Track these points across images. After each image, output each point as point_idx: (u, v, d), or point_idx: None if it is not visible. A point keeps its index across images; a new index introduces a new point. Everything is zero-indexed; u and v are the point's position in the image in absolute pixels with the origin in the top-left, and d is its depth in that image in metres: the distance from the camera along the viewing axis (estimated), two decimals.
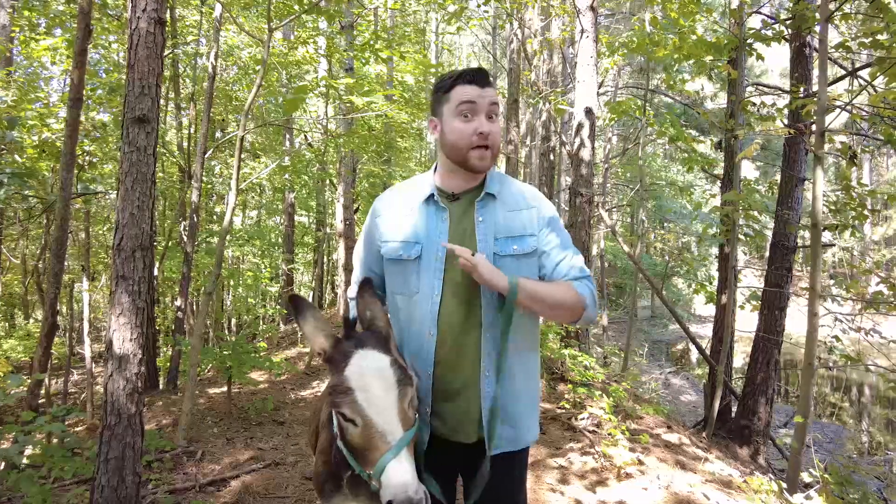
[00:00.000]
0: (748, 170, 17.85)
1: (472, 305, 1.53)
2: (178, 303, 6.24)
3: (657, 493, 3.57)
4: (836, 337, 6.83)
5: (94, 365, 8.45)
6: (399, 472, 1.25)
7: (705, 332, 16.86)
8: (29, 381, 2.73)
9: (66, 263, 12.43)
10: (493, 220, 1.56)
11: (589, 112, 5.78)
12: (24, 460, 3.17)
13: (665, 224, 22.04)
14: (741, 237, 8.94)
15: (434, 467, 1.55)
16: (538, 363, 1.71)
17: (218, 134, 9.86)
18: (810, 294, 5.14)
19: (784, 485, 4.15)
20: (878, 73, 5.30)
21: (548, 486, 3.61)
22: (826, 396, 14.99)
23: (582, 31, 5.87)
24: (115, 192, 4.89)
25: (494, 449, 1.53)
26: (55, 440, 3.60)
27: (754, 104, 7.73)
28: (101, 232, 10.66)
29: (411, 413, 1.40)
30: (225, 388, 5.78)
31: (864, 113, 6.61)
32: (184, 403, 4.30)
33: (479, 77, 1.51)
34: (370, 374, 1.35)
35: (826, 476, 3.72)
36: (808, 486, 3.89)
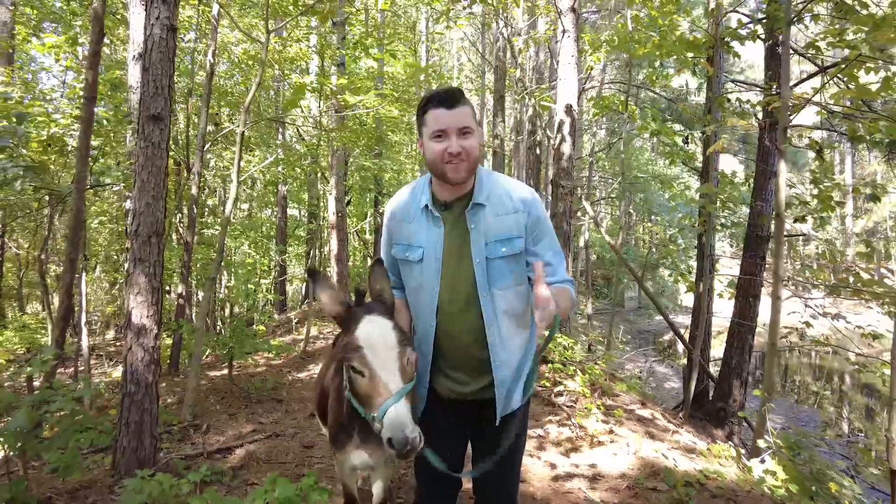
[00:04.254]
0: (732, 163, 18.25)
1: (469, 304, 1.77)
2: (179, 290, 6.52)
3: (625, 458, 3.92)
4: (806, 323, 7.25)
5: (90, 356, 8.66)
6: (398, 415, 1.52)
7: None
8: (52, 354, 3.02)
9: (59, 257, 12.56)
10: (483, 226, 1.75)
11: (569, 109, 6.10)
12: (45, 432, 3.46)
13: (652, 216, 22.44)
14: (718, 227, 9.33)
15: (447, 421, 1.87)
16: (532, 336, 1.92)
17: (211, 127, 10.08)
18: (774, 280, 5.52)
19: (743, 451, 4.53)
20: (837, 73, 5.67)
21: (526, 452, 3.94)
22: (809, 385, 15.49)
23: (563, 31, 6.18)
24: (120, 184, 5.17)
25: (500, 418, 1.83)
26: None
27: (730, 100, 8.09)
28: (92, 225, 10.84)
29: (410, 369, 1.67)
30: (225, 371, 6.09)
31: (828, 110, 6.98)
32: (189, 381, 4.60)
33: (447, 99, 1.67)
34: (376, 334, 1.64)
35: (778, 441, 4.09)
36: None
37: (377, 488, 2.24)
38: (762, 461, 4.14)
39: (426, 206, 1.81)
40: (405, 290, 1.93)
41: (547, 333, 1.60)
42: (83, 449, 3.74)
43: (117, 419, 3.13)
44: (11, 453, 2.81)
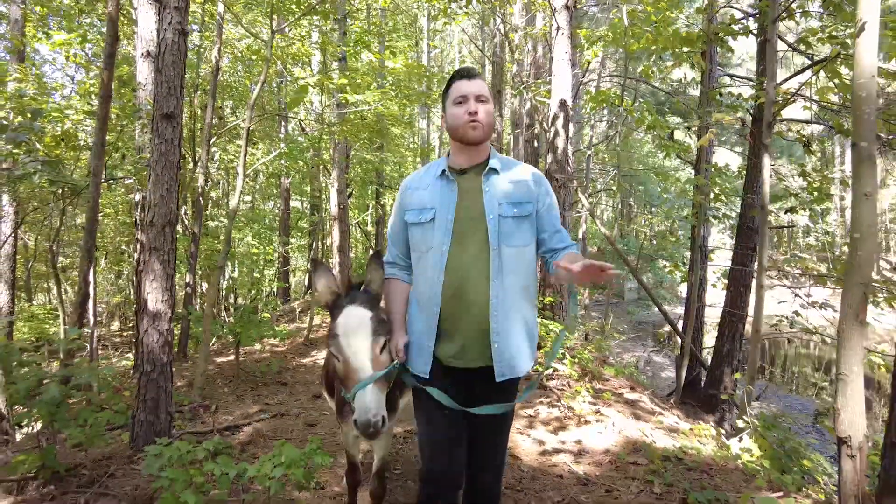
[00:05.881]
0: (730, 157, 18.37)
1: (477, 259, 1.89)
2: (186, 279, 6.76)
3: (610, 436, 4.16)
4: (795, 312, 7.48)
5: (97, 346, 8.91)
6: (363, 400, 1.67)
7: None
8: (76, 335, 3.26)
9: (63, 249, 12.77)
10: (497, 189, 1.94)
11: (563, 104, 6.30)
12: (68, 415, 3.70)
13: (653, 209, 22.61)
14: (712, 220, 9.53)
15: (446, 387, 1.92)
16: (533, 306, 2.04)
17: (214, 121, 10.30)
18: (758, 269, 5.74)
19: (723, 431, 4.77)
20: (820, 70, 5.85)
21: (516, 430, 4.20)
22: (808, 376, 15.71)
23: (558, 29, 6.37)
24: (132, 178, 5.40)
25: (500, 377, 1.91)
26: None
27: (721, 94, 8.28)
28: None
29: (384, 357, 1.83)
30: (230, 357, 6.35)
31: (819, 104, 7.15)
32: (198, 364, 4.85)
33: (467, 73, 1.96)
34: (353, 324, 1.80)
35: (755, 421, 4.33)
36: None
37: (377, 456, 2.47)
38: (740, 440, 4.38)
39: (443, 171, 1.99)
40: (412, 257, 2.05)
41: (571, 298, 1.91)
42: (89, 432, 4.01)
43: (135, 396, 3.38)
44: (41, 426, 3.06)
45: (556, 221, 2.01)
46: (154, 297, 3.33)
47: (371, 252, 2.15)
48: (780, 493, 2.98)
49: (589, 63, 10.06)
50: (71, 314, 4.12)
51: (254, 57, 8.86)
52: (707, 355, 9.37)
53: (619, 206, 24.49)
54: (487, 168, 1.96)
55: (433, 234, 1.94)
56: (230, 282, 12.96)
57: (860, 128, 2.22)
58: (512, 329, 1.91)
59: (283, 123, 12.89)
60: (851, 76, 5.70)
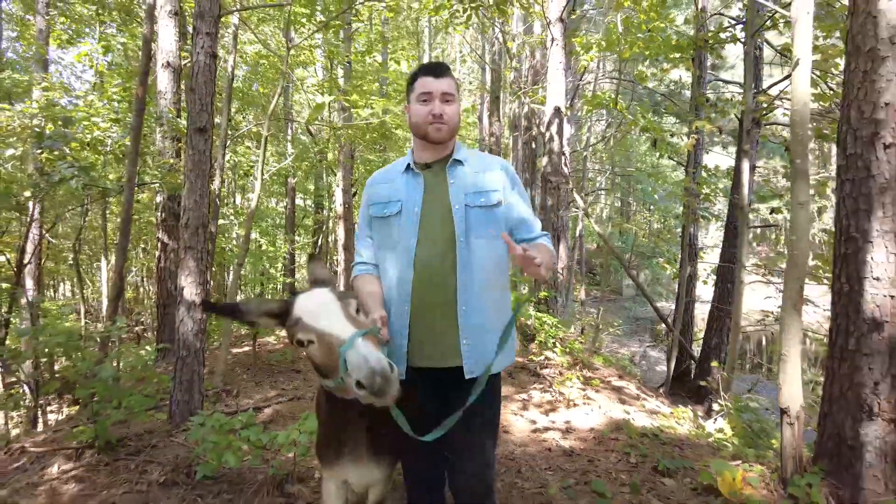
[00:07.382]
0: (724, 158, 18.75)
1: (445, 253, 1.82)
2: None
3: (596, 417, 4.59)
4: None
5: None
6: (356, 354, 1.40)
7: None
8: (122, 323, 3.68)
9: (83, 246, 13.22)
10: (462, 180, 1.89)
11: (557, 111, 6.71)
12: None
13: (651, 207, 23.03)
14: (703, 218, 9.96)
15: (423, 397, 1.84)
16: (507, 299, 1.97)
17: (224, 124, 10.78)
18: (737, 265, 6.16)
19: (700, 413, 5.19)
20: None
21: (511, 411, 4.63)
22: (804, 372, 16.12)
23: (552, 40, 6.77)
24: (157, 182, 5.83)
25: (469, 374, 1.81)
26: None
27: (709, 99, 8.71)
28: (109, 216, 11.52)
29: (362, 318, 1.63)
30: (246, 348, 6.79)
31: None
32: (220, 353, 5.28)
33: (434, 69, 1.87)
34: (309, 300, 1.60)
35: (728, 404, 4.76)
36: None
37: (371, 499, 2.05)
38: (714, 421, 4.81)
39: (408, 165, 1.95)
40: (378, 256, 1.97)
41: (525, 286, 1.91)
42: (133, 409, 4.44)
43: (172, 378, 3.81)
44: (77, 408, 3.49)
45: (522, 211, 1.94)
46: (189, 290, 3.76)
47: (308, 256, 2.06)
48: (738, 462, 3.40)
49: (585, 68, 10.47)
50: (107, 307, 4.55)
51: (262, 61, 9.31)
52: (697, 349, 9.80)
53: (619, 205, 24.90)
54: (452, 160, 1.92)
55: (399, 228, 1.88)
56: (244, 275, 13.41)
57: (796, 147, 2.64)
58: (483, 324, 1.84)
59: (289, 125, 13.31)
60: (834, 82, 6.07)
